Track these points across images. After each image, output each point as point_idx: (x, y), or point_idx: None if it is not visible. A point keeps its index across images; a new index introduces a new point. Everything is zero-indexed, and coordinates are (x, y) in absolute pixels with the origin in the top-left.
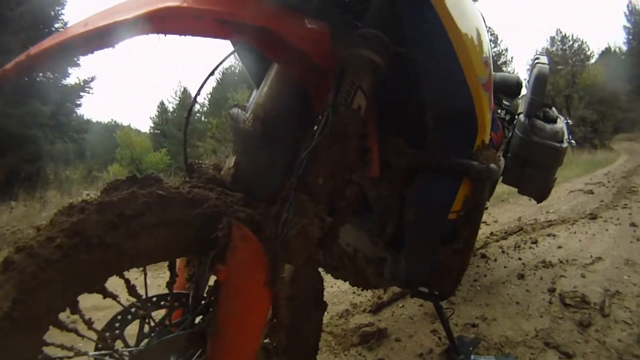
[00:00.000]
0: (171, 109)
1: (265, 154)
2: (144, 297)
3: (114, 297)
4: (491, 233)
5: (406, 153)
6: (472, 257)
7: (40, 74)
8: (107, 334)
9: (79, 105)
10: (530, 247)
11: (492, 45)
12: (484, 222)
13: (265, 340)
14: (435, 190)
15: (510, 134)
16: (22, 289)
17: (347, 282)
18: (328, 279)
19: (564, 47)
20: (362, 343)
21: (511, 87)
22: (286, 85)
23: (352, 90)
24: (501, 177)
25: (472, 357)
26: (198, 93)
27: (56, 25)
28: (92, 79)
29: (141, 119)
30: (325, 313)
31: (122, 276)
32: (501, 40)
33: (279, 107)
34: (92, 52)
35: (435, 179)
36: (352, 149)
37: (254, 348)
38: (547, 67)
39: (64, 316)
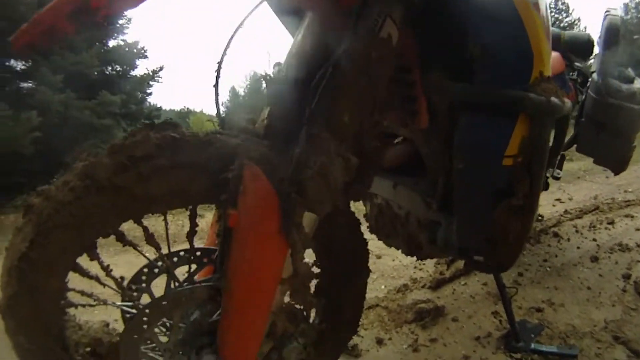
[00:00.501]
0: (242, 94)
1: (298, 102)
2: (167, 251)
3: (134, 245)
4: (565, 211)
5: (449, 89)
6: (543, 236)
7: (110, 68)
8: (133, 287)
9: (149, 94)
10: (606, 228)
11: (564, 14)
12: (558, 200)
13: (292, 303)
14: (485, 130)
15: (584, 96)
16: (39, 231)
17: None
18: (391, 252)
19: None
20: (417, 320)
21: (582, 45)
22: (318, 33)
23: (380, 18)
24: (575, 145)
25: (533, 345)
26: (228, 45)
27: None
28: (161, 68)
29: (213, 105)
30: (383, 287)
31: (140, 223)
32: (573, 10)
33: (312, 54)
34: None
35: (485, 117)
36: (381, 82)
37: (268, 304)
38: (619, 17)
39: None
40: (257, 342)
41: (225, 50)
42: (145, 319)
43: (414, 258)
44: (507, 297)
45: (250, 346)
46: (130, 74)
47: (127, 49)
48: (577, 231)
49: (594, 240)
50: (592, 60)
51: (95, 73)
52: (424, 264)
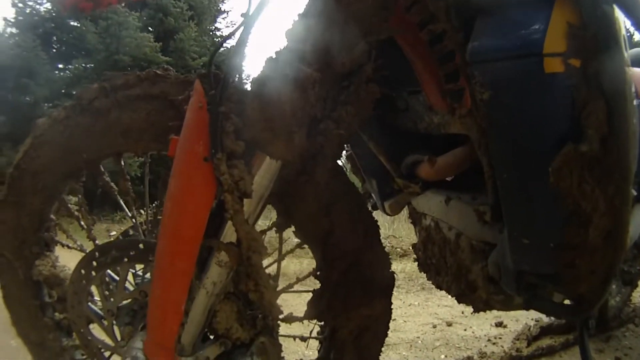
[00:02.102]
0: None
1: None
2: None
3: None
4: None
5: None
6: None
7: None
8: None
9: None
10: None
11: None
12: None
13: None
14: (503, 24)
15: None
16: (33, 144)
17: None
18: (465, 320)
19: None
20: None
21: None
22: None
23: None
24: None
25: None
26: None
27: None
28: None
29: None
30: (443, 357)
31: (118, 159)
32: None
33: None
34: None
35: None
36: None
37: (187, 259)
38: None
39: None
40: (176, 307)
41: None
42: (93, 262)
43: (491, 331)
44: (588, 351)
45: (170, 311)
46: None
47: None
48: None
49: None
50: None
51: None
52: (499, 338)
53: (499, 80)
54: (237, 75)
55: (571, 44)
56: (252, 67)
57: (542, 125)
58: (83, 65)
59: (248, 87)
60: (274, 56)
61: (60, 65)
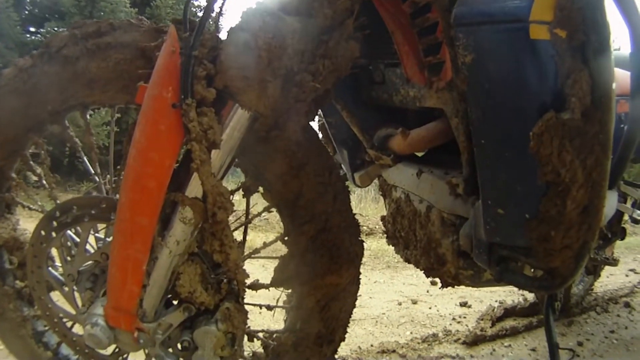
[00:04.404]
0: None
1: None
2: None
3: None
4: None
5: None
6: (612, 305)
7: None
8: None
9: None
10: None
11: None
12: (632, 270)
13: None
14: None
15: None
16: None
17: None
18: (430, 299)
19: None
20: None
21: None
22: None
23: None
24: None
25: None
26: None
27: None
28: None
29: None
30: (408, 333)
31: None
32: None
33: None
34: None
35: None
36: None
37: (150, 210)
38: None
39: None
40: (137, 267)
41: None
42: (53, 222)
43: (456, 310)
44: (554, 337)
45: (130, 271)
46: None
47: None
48: None
49: None
50: None
51: None
52: (464, 317)
53: (483, 43)
54: (213, 23)
55: (558, 15)
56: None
57: (524, 91)
58: (55, 29)
59: (225, 35)
60: (254, 5)
61: (32, 29)
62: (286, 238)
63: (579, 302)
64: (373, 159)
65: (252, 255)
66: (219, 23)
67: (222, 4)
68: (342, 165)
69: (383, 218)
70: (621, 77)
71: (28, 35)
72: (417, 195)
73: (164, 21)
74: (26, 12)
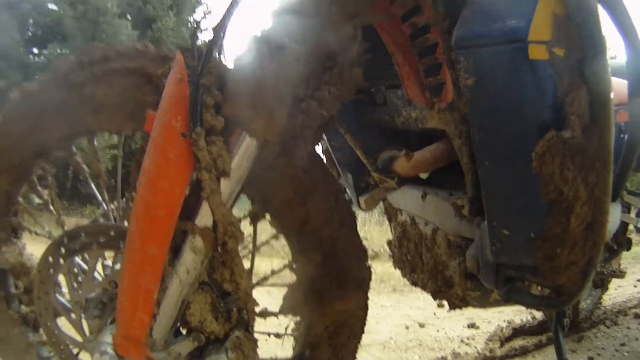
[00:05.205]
0: None
1: None
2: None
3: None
4: None
5: None
6: (622, 317)
7: None
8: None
9: None
10: None
11: None
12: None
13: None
14: (491, 13)
15: None
16: (4, 118)
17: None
18: (437, 322)
19: None
20: None
21: None
22: None
23: None
24: None
25: None
26: None
27: None
28: None
29: None
30: (417, 357)
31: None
32: None
33: None
34: None
35: None
36: None
37: (161, 241)
38: None
39: None
40: (147, 296)
41: None
42: (61, 249)
43: (464, 332)
44: (563, 349)
45: (141, 300)
46: None
47: None
48: None
49: None
50: None
51: None
52: (472, 339)
53: (483, 65)
54: (220, 50)
55: (556, 33)
56: (234, 45)
57: (525, 111)
58: (58, 50)
59: (231, 63)
60: (259, 33)
61: (35, 50)
62: (294, 265)
63: (588, 316)
64: (377, 182)
65: (261, 284)
66: (224, 49)
67: (225, 29)
68: (347, 189)
69: (389, 242)
70: (618, 86)
71: (31, 56)
72: (422, 218)
73: (165, 44)
74: (29, 33)
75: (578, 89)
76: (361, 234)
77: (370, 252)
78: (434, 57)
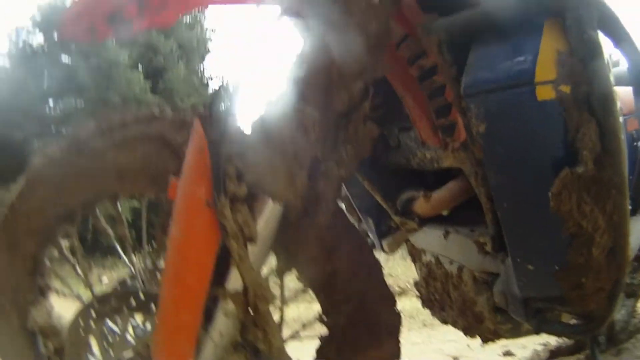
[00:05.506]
0: None
1: None
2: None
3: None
4: None
5: (437, 26)
6: None
7: None
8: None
9: None
10: None
11: None
12: None
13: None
14: (495, 53)
15: None
16: (27, 184)
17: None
18: (472, 354)
19: None
20: None
21: None
22: None
23: None
24: None
25: None
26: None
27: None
28: None
29: None
30: None
31: (115, 206)
32: None
33: None
34: None
35: (491, 40)
36: (360, 41)
37: (197, 302)
38: None
39: None
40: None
41: None
42: (92, 312)
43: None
44: None
45: None
46: None
47: None
48: None
49: None
50: None
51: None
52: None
53: (494, 111)
54: (236, 117)
55: (561, 71)
56: (248, 109)
57: (538, 152)
58: (74, 102)
59: (248, 128)
60: (273, 98)
61: (51, 102)
62: (324, 318)
63: (625, 327)
64: (399, 225)
65: (292, 338)
66: (241, 114)
67: (240, 94)
68: (369, 234)
69: (415, 283)
70: (624, 95)
71: (47, 108)
72: (446, 257)
73: (176, 93)
74: (45, 85)
75: (587, 123)
76: (386, 270)
77: (396, 289)
78: (443, 98)
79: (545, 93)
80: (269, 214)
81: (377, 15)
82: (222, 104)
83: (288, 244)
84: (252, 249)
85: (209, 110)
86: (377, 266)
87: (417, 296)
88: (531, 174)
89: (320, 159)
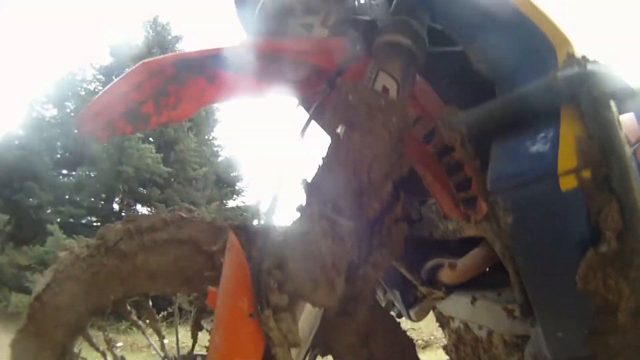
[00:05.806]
0: None
1: None
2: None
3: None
4: None
5: (458, 119)
6: None
7: None
8: None
9: None
10: None
11: None
12: None
13: None
14: (516, 149)
15: None
16: (55, 278)
17: None
18: None
19: None
20: None
21: None
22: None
23: (372, 74)
24: None
25: None
26: None
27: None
28: None
29: None
30: None
31: (147, 304)
32: None
33: None
34: None
35: (511, 134)
36: (384, 140)
37: None
38: None
39: None
40: None
41: None
42: None
43: None
44: None
45: None
46: None
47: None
48: None
49: None
50: None
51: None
52: None
53: (520, 205)
54: (272, 229)
55: (581, 157)
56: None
57: (564, 238)
58: (87, 172)
59: (283, 239)
60: (307, 210)
61: (64, 171)
62: None
63: None
64: (425, 295)
65: None
66: (276, 226)
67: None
68: (396, 304)
69: (444, 347)
70: (629, 123)
71: (61, 177)
72: (475, 323)
73: (188, 163)
74: (58, 156)
75: (609, 204)
76: (409, 325)
77: (420, 342)
78: (462, 173)
79: (568, 183)
80: (308, 315)
81: (397, 110)
82: (256, 219)
83: (323, 331)
84: (295, 352)
85: (242, 224)
86: (410, 345)
87: (441, 347)
88: (558, 257)
89: (356, 264)
